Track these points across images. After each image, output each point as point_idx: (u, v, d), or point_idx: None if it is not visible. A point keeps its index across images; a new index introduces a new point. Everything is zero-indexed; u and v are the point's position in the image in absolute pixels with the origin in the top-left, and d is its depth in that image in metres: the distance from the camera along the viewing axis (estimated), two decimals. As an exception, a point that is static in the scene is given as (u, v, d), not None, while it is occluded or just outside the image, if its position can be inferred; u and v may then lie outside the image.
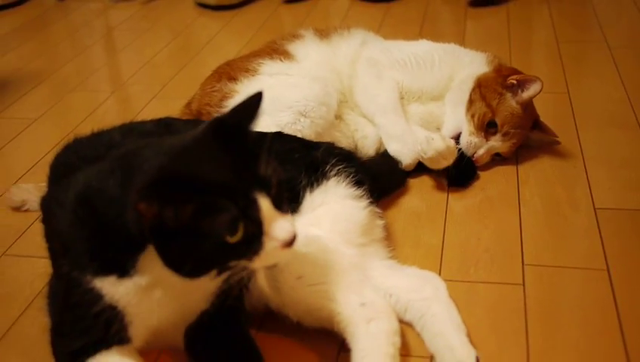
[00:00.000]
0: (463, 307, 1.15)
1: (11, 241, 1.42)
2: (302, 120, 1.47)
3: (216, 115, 1.44)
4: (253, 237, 0.87)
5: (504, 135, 1.53)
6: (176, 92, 2.04)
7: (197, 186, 0.83)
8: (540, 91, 1.52)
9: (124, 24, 2.73)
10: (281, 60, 1.64)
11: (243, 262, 0.89)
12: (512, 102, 1.54)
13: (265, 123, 1.43)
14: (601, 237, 1.34)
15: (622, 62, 2.07)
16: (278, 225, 0.88)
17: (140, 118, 1.92)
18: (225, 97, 1.60)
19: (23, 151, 1.81)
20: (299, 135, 1.43)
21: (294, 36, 1.72)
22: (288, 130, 1.43)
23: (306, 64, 1.64)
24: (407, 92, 1.60)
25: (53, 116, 1.98)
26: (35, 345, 1.15)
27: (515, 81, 1.54)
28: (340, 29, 1.73)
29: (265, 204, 0.87)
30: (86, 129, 1.85)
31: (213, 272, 0.89)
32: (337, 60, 1.66)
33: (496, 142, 1.54)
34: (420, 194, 1.52)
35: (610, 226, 1.36)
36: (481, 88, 1.55)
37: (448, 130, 1.57)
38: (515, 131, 1.53)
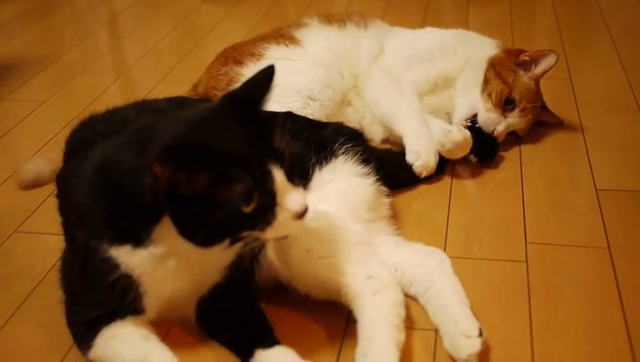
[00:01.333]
0: (468, 283, 1.17)
1: (22, 219, 1.44)
2: (311, 103, 1.50)
3: None
4: (267, 208, 0.89)
5: (522, 110, 1.56)
6: (181, 76, 2.06)
7: (213, 155, 0.85)
8: (555, 63, 1.56)
9: (128, 10, 2.75)
10: (286, 45, 1.66)
11: (255, 233, 0.91)
12: (525, 79, 1.57)
13: (274, 110, 1.45)
14: (602, 216, 1.36)
15: (623, 49, 2.09)
16: (290, 197, 0.90)
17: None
18: (232, 81, 1.62)
19: (29, 133, 1.83)
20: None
21: (300, 24, 1.74)
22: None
23: (311, 49, 1.66)
24: (425, 85, 1.62)
25: (60, 99, 2.00)
26: (47, 318, 1.17)
27: (527, 58, 1.58)
28: (355, 17, 1.74)
29: (279, 175, 0.89)
30: (94, 110, 1.89)
31: (226, 242, 0.91)
32: (351, 49, 1.68)
33: (513, 118, 1.56)
34: (424, 175, 1.55)
35: (610, 206, 1.39)
36: (496, 67, 1.58)
37: (462, 112, 1.58)
38: (531, 106, 1.56)
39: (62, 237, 1.34)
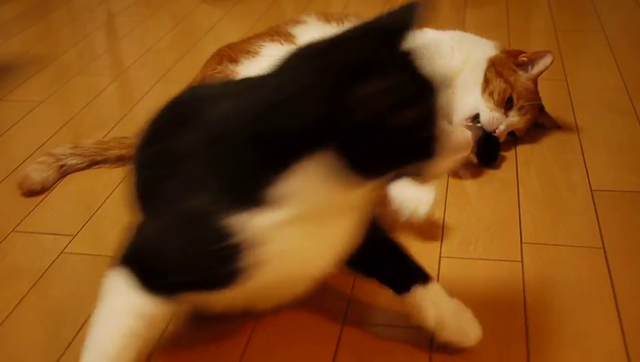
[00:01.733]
0: (463, 282, 1.18)
1: (20, 219, 1.44)
2: None
3: None
4: (437, 140, 0.85)
5: (520, 109, 1.57)
6: (179, 76, 2.06)
7: (398, 77, 0.81)
8: (551, 64, 1.60)
9: (126, 11, 2.75)
10: (281, 43, 1.66)
11: (421, 165, 0.86)
12: (524, 79, 1.59)
13: None
14: (597, 217, 1.37)
15: (619, 51, 2.10)
16: (458, 132, 0.90)
17: (143, 102, 1.95)
18: (226, 79, 1.63)
19: (26, 133, 1.83)
20: None
21: (297, 21, 1.74)
22: None
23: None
24: None
25: (57, 100, 2.00)
26: (45, 318, 1.18)
27: (525, 59, 1.61)
28: (353, 18, 1.72)
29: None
30: (89, 112, 1.91)
31: (389, 176, 0.87)
32: None
33: (513, 118, 1.57)
34: (420, 176, 1.55)
35: (605, 207, 1.39)
36: (496, 67, 1.59)
37: (463, 112, 1.58)
38: (529, 105, 1.58)
39: (62, 237, 1.37)
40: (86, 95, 2.01)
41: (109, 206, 1.48)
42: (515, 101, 1.57)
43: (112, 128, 1.81)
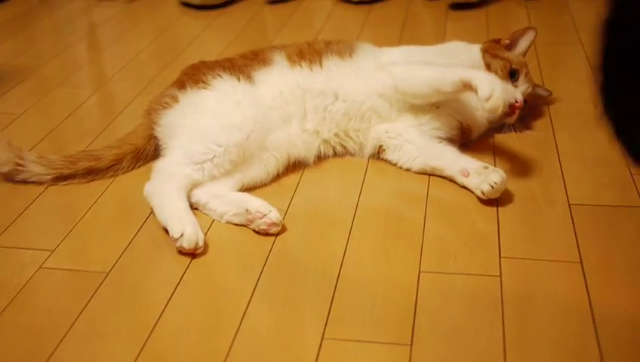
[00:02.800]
0: (443, 298, 1.19)
1: (-2, 233, 1.44)
2: (214, 148, 1.48)
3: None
4: None
5: (526, 76, 1.72)
6: (160, 89, 2.04)
7: None
8: (535, 37, 1.79)
9: (108, 22, 2.75)
10: (238, 79, 1.60)
11: None
12: (515, 55, 1.76)
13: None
14: (575, 231, 1.38)
15: (597, 65, 2.13)
16: None
17: (124, 114, 1.95)
18: (166, 104, 1.61)
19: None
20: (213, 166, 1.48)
21: (266, 61, 1.66)
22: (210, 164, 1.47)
23: (261, 90, 1.60)
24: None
25: (38, 111, 1.99)
26: (22, 334, 1.17)
27: (508, 41, 1.79)
28: (337, 47, 1.69)
29: None
30: (70, 124, 1.91)
31: None
32: (326, 87, 1.62)
33: (522, 85, 1.71)
34: (399, 189, 1.56)
35: (583, 221, 1.41)
36: (490, 52, 1.74)
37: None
38: (528, 73, 1.73)
39: (41, 251, 1.36)
40: (67, 106, 2.00)
41: (88, 220, 1.48)
42: (519, 72, 1.71)
43: (93, 141, 1.80)
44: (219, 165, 1.48)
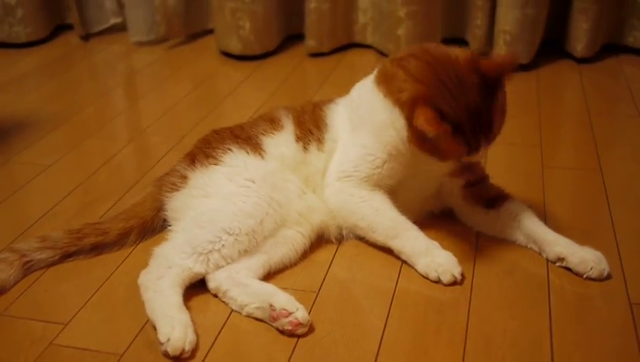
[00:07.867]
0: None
1: (10, 301, 1.35)
2: (224, 237, 1.37)
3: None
4: None
5: None
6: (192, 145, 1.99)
7: None
8: None
9: (147, 69, 2.70)
10: (247, 152, 1.50)
11: None
12: None
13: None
14: (637, 334, 1.24)
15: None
16: None
17: (156, 169, 1.87)
18: (174, 185, 1.51)
19: (35, 198, 1.76)
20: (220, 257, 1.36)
21: (273, 123, 1.55)
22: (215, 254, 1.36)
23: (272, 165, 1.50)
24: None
25: (68, 163, 1.93)
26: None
27: None
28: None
29: None
30: (101, 177, 1.83)
31: None
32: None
33: None
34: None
35: (646, 323, 1.27)
36: None
37: None
38: None
39: (53, 325, 1.27)
40: (99, 158, 1.94)
41: (105, 292, 1.39)
42: None
43: (122, 197, 1.73)
44: (227, 256, 1.36)
